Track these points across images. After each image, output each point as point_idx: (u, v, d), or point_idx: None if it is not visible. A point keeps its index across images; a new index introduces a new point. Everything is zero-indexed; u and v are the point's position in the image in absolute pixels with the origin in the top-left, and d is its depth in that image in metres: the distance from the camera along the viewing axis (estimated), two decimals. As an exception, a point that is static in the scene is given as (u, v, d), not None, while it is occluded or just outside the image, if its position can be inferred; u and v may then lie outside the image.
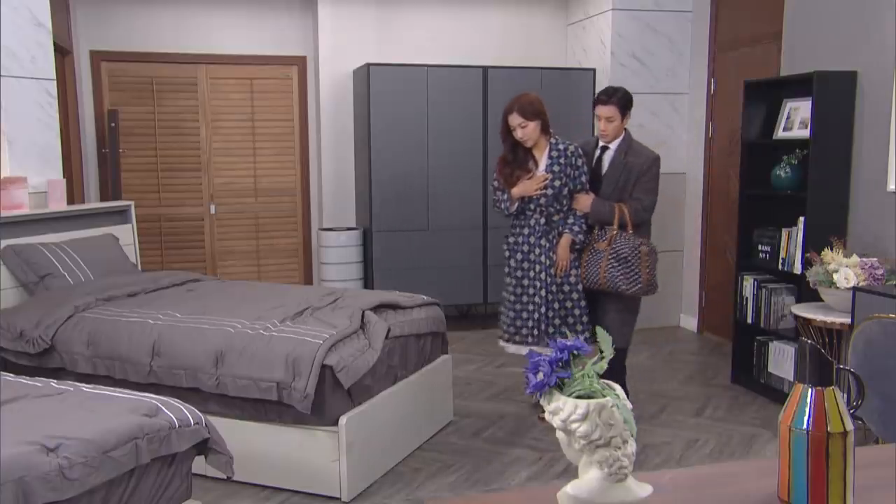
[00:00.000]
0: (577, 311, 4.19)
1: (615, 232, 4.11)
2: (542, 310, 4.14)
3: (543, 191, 4.11)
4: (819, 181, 4.43)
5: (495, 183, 4.29)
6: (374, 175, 6.01)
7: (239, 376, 3.39)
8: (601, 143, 4.25)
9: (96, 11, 6.31)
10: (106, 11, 6.33)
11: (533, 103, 4.09)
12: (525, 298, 4.19)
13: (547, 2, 6.94)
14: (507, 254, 4.27)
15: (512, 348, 4.26)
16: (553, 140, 4.18)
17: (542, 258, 4.14)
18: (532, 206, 4.16)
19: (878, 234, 4.30)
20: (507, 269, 4.27)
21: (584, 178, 4.18)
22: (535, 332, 4.16)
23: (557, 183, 4.11)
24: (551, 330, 4.14)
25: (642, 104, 6.26)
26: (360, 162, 6.41)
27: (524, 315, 4.19)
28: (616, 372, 4.20)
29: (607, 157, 4.23)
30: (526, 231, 4.19)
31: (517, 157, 4.17)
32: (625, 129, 4.22)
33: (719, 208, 6.02)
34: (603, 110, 4.13)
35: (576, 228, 4.16)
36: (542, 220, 4.16)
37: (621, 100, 4.14)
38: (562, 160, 4.14)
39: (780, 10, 5.06)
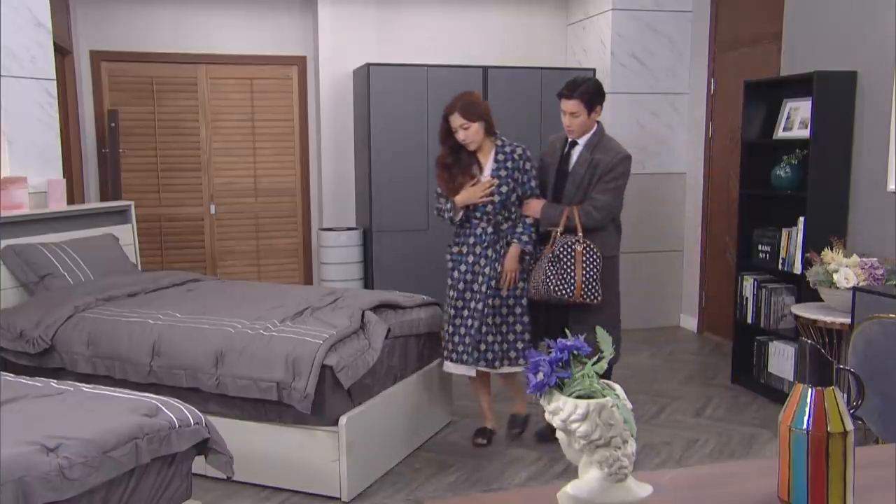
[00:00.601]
0: (518, 328, 3.83)
1: (557, 234, 3.77)
2: (477, 324, 3.77)
3: (489, 198, 3.78)
4: (819, 181, 4.43)
5: (438, 189, 3.93)
6: (374, 175, 6.01)
7: (239, 376, 3.39)
8: (569, 139, 3.90)
9: (96, 11, 6.31)
10: (106, 11, 6.33)
11: (476, 104, 3.79)
12: (465, 313, 3.82)
13: (547, 2, 6.94)
14: (449, 265, 3.91)
15: (452, 367, 3.88)
16: (499, 142, 3.86)
17: (487, 269, 3.80)
18: (478, 215, 3.82)
19: (878, 234, 4.30)
20: (449, 282, 3.91)
21: (533, 183, 3.86)
22: (472, 350, 3.78)
23: (505, 189, 3.79)
24: (483, 348, 3.78)
25: (642, 104, 6.28)
26: (360, 162, 6.41)
27: (462, 331, 3.82)
28: None
29: (575, 154, 3.87)
30: (471, 241, 3.84)
31: (460, 161, 3.83)
32: (597, 122, 3.87)
33: (719, 208, 6.02)
34: (566, 105, 3.78)
35: (524, 238, 3.82)
36: (490, 230, 3.82)
37: (585, 93, 3.75)
38: (509, 164, 3.82)
39: (780, 10, 5.06)
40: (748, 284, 4.88)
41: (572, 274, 3.69)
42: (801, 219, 4.49)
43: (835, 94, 4.43)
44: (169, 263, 6.58)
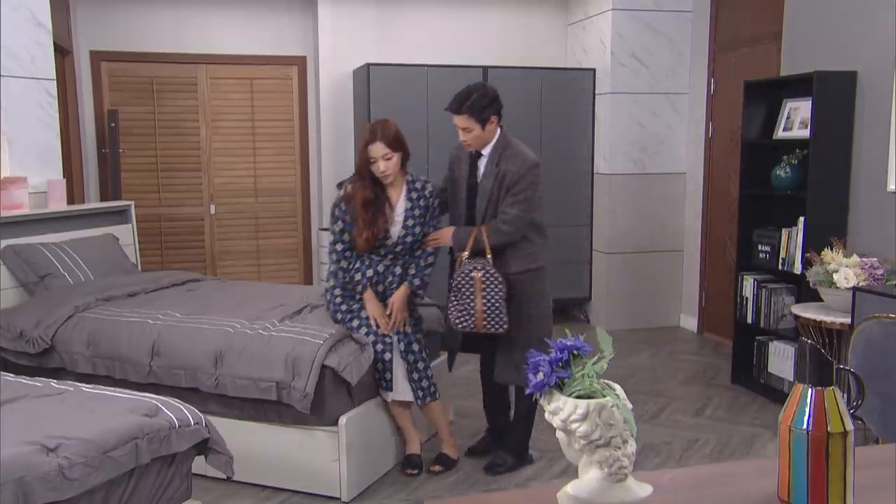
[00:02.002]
0: (420, 365, 3.57)
1: (461, 260, 3.50)
2: (387, 356, 3.53)
3: (403, 238, 3.55)
4: (819, 181, 4.43)
5: (340, 224, 3.54)
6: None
7: (238, 376, 3.39)
8: (474, 151, 3.58)
9: (96, 11, 6.31)
10: (106, 11, 6.33)
11: (397, 132, 3.48)
12: (380, 346, 3.53)
13: (547, 2, 6.94)
14: (339, 298, 3.61)
15: (389, 395, 3.59)
16: (409, 178, 3.60)
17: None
18: (382, 253, 3.56)
19: (878, 234, 4.30)
20: (351, 313, 3.57)
21: (436, 222, 3.66)
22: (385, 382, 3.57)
23: (418, 229, 3.57)
24: (388, 377, 3.54)
25: (642, 104, 6.28)
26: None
27: (379, 364, 3.54)
28: (523, 418, 3.72)
29: (482, 166, 3.56)
30: (370, 273, 3.58)
31: (377, 199, 3.50)
32: (500, 128, 3.55)
33: (719, 208, 6.02)
34: (456, 119, 3.47)
35: (416, 282, 3.60)
36: (398, 270, 3.61)
37: (473, 107, 3.42)
38: (421, 202, 3.57)
39: (780, 10, 5.06)
40: (748, 284, 4.88)
41: (472, 303, 3.44)
42: (801, 219, 4.49)
43: (835, 94, 4.42)
44: (169, 263, 6.58)
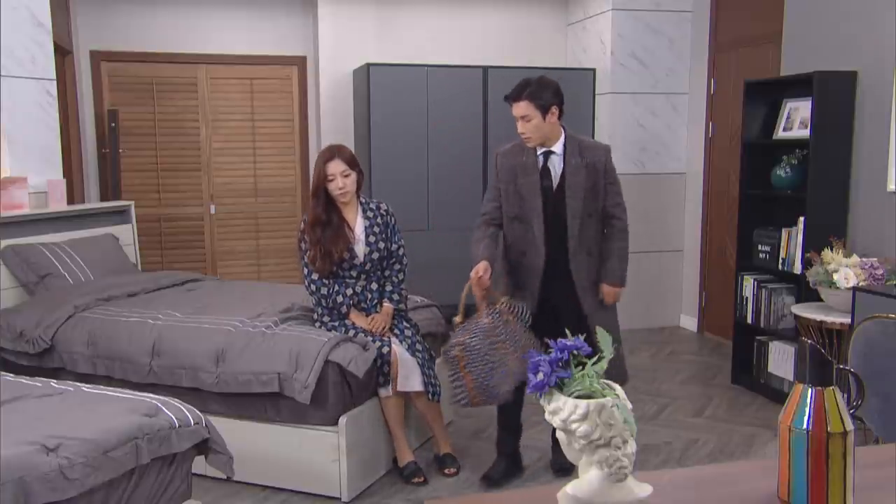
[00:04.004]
0: (426, 365, 3.63)
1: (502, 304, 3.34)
2: (385, 349, 3.57)
3: (369, 255, 3.63)
4: (819, 181, 4.43)
5: (309, 253, 3.59)
6: (374, 175, 6.00)
7: (240, 372, 3.40)
8: (540, 150, 3.40)
9: (96, 11, 6.31)
10: (106, 11, 6.33)
11: (353, 154, 3.61)
12: (378, 343, 3.57)
13: (547, 2, 6.94)
14: (327, 317, 3.65)
15: (384, 392, 3.62)
16: (363, 200, 3.69)
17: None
18: (354, 273, 3.64)
19: (878, 234, 4.30)
20: (345, 327, 3.60)
21: (400, 239, 3.72)
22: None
23: (382, 245, 3.65)
24: (386, 371, 3.58)
25: (642, 104, 6.28)
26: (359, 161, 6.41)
27: (378, 360, 3.57)
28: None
29: (556, 163, 3.39)
30: (349, 292, 3.64)
31: (331, 222, 3.57)
32: (562, 126, 3.42)
33: (719, 208, 6.02)
34: (515, 108, 3.33)
35: (395, 297, 3.69)
36: (374, 286, 3.68)
37: (534, 93, 3.29)
38: (379, 220, 3.66)
39: (780, 10, 5.06)
40: (748, 284, 4.88)
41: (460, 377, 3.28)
42: (801, 219, 4.49)
43: (835, 94, 4.42)
44: (169, 263, 6.58)
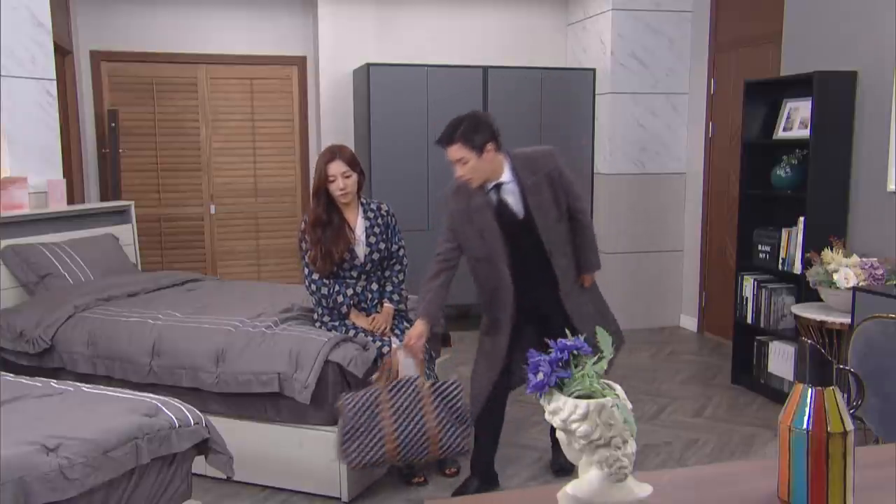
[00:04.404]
0: (425, 364, 3.59)
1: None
2: (385, 349, 3.59)
3: (370, 256, 3.64)
4: (819, 181, 4.43)
5: (309, 253, 3.59)
6: (374, 175, 6.01)
7: (240, 372, 3.40)
8: (489, 185, 3.26)
9: (96, 11, 6.31)
10: (106, 11, 6.33)
11: (354, 154, 3.61)
12: (378, 343, 3.60)
13: (547, 2, 6.94)
14: (327, 317, 3.66)
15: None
16: (364, 201, 3.70)
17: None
18: (354, 274, 3.64)
19: (878, 234, 4.30)
20: (345, 327, 3.61)
21: (399, 237, 3.74)
22: None
23: (382, 245, 3.66)
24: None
25: (642, 104, 6.28)
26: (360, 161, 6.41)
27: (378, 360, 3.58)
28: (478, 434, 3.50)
29: (512, 191, 3.27)
30: (350, 292, 3.65)
31: (332, 222, 3.58)
32: (505, 154, 3.28)
33: (719, 208, 6.02)
34: (448, 152, 3.19)
35: (395, 298, 3.70)
36: (374, 286, 3.69)
37: (466, 135, 3.13)
38: (380, 220, 3.67)
39: (780, 10, 5.06)
40: (748, 284, 4.88)
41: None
42: (801, 219, 4.49)
43: (835, 94, 4.42)
44: (169, 263, 6.58)
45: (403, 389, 3.24)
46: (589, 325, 3.22)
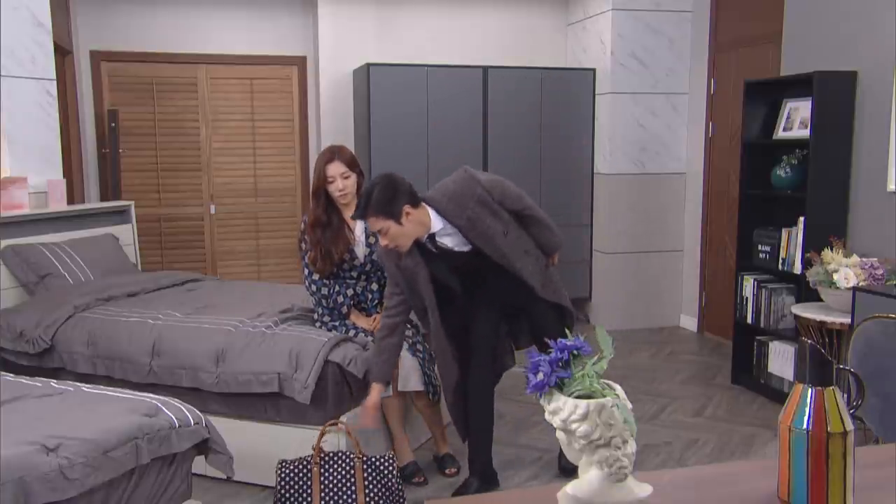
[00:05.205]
0: (427, 365, 3.62)
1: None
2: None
3: (369, 256, 3.63)
4: (819, 181, 4.43)
5: (309, 254, 3.58)
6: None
7: (240, 372, 3.40)
8: (423, 239, 3.20)
9: (96, 11, 6.31)
10: (106, 11, 6.33)
11: (353, 155, 3.62)
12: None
13: (547, 2, 6.94)
14: (327, 317, 3.68)
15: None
16: None
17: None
18: (354, 274, 3.66)
19: (878, 234, 4.30)
20: (345, 327, 3.64)
21: None
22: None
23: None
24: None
25: (642, 104, 6.28)
26: (359, 162, 6.41)
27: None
28: (474, 433, 3.47)
29: (447, 233, 3.22)
30: (350, 293, 3.67)
31: (331, 223, 3.58)
32: (430, 208, 3.18)
33: (719, 208, 6.02)
34: (369, 226, 3.16)
35: None
36: (374, 287, 3.70)
37: (378, 206, 3.03)
38: None
39: (780, 10, 5.06)
40: (748, 284, 4.88)
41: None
42: (801, 219, 4.49)
43: (835, 94, 4.42)
44: (169, 263, 6.58)
45: (337, 464, 3.06)
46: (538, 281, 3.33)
